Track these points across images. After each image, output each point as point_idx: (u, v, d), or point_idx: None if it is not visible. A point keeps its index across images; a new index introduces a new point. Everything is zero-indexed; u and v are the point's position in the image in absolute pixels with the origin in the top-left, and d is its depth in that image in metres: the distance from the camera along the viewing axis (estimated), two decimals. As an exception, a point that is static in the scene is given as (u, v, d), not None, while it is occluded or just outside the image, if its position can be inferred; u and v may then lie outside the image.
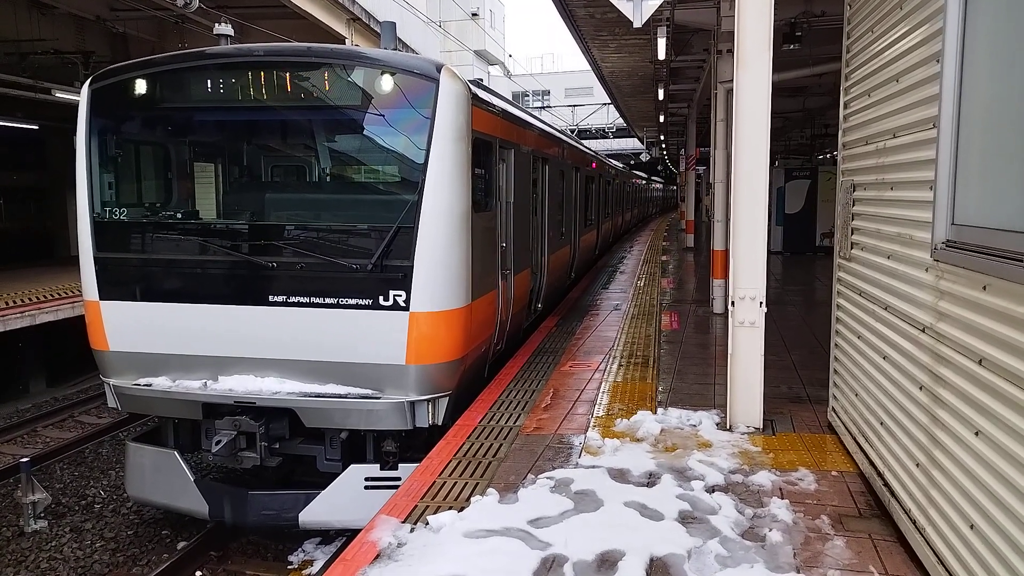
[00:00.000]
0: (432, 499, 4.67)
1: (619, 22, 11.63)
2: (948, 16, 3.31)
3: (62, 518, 7.92)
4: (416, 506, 4.57)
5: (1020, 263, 2.58)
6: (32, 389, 12.82)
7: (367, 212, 6.62)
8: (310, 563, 6.73)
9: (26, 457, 8.14)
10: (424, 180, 6.09)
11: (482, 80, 8.99)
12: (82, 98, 6.76)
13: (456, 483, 4.91)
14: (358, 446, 6.57)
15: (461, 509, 4.41)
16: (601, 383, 7.35)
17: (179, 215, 7.17)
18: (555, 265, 11.79)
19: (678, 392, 6.97)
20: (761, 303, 5.69)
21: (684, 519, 4.22)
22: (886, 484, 4.24)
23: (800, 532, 4.09)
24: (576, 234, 14.55)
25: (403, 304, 6.10)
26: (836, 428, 5.66)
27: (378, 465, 6.44)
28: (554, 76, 59.21)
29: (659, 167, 57.32)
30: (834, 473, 4.95)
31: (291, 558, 6.88)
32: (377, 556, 3.94)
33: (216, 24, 7.44)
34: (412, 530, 4.22)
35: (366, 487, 6.33)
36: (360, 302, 6.17)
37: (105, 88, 6.72)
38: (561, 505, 4.42)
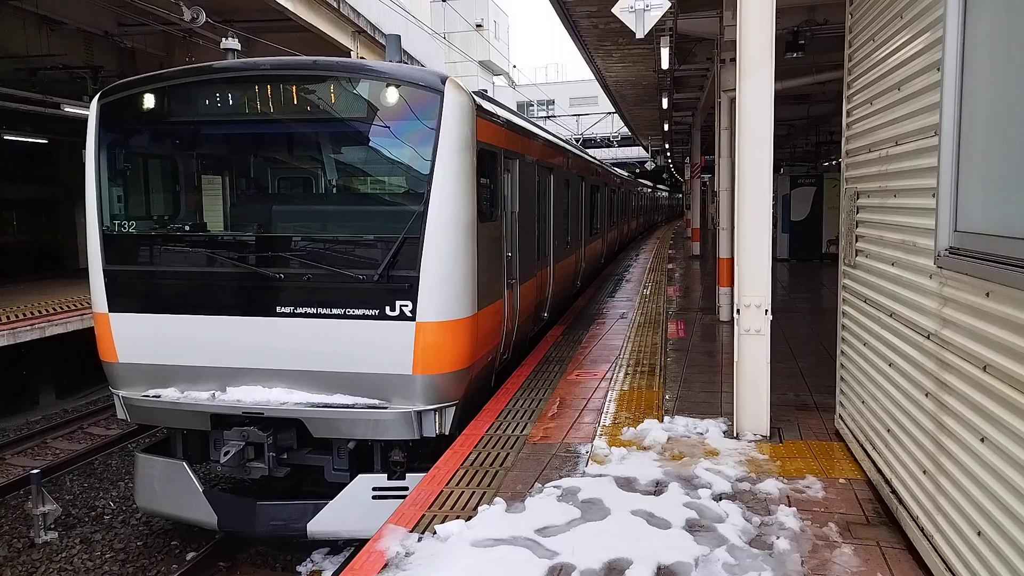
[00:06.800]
0: (439, 508, 4.68)
1: (622, 32, 11.69)
2: (948, 25, 3.33)
3: (72, 529, 7.96)
4: (423, 515, 4.58)
5: (1022, 269, 2.59)
6: (42, 401, 12.89)
7: (373, 223, 6.66)
8: (318, 573, 6.75)
9: (36, 469, 8.18)
10: (429, 191, 6.13)
11: (487, 91, 9.04)
12: (91, 112, 6.84)
13: (463, 492, 4.92)
14: (366, 456, 6.60)
15: (468, 518, 4.43)
16: (607, 392, 7.35)
17: (187, 227, 7.24)
18: (561, 274, 11.80)
19: (685, 400, 6.97)
20: (767, 311, 5.69)
21: (691, 527, 4.23)
22: (894, 491, 4.24)
23: (808, 540, 4.09)
24: (582, 243, 14.57)
25: (409, 314, 6.13)
26: (843, 435, 5.65)
27: (385, 475, 6.45)
28: (559, 86, 59.54)
29: (664, 175, 57.35)
30: (842, 481, 4.95)
31: (299, 568, 6.90)
32: (385, 565, 3.95)
33: (223, 38, 7.52)
34: (420, 539, 4.24)
35: (374, 497, 6.35)
36: (367, 312, 6.20)
37: (114, 102, 6.80)
38: (568, 514, 4.42)
